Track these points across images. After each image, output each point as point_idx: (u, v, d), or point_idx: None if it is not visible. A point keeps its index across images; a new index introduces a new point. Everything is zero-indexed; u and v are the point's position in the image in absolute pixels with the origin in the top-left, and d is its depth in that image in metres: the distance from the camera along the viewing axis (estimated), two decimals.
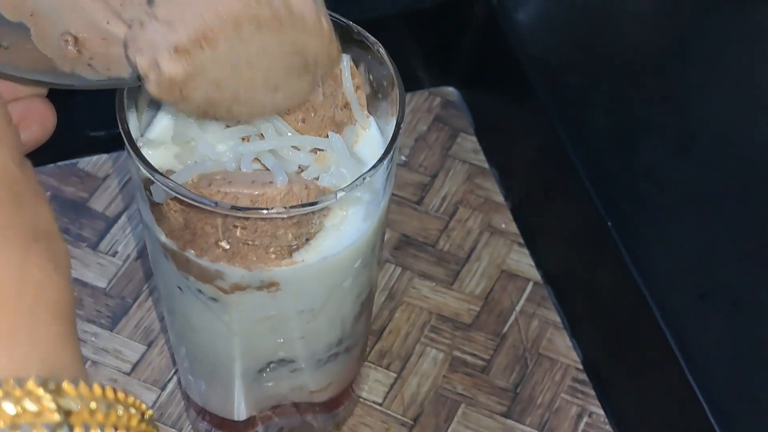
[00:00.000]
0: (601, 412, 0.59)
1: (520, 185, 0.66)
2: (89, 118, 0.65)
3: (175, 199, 0.41)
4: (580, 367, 0.60)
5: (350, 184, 0.41)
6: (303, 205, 0.40)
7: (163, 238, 0.42)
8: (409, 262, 0.63)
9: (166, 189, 0.40)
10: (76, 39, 0.38)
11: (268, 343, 0.47)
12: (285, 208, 0.40)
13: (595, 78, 0.63)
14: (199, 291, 0.44)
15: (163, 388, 0.58)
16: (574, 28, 0.66)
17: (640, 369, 0.59)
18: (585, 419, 0.59)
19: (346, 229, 0.42)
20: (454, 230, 0.65)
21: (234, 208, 0.39)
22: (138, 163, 0.41)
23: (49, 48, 0.38)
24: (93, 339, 0.59)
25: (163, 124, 0.45)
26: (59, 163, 0.65)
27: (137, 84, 0.39)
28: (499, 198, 0.66)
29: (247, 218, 0.40)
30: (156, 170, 0.40)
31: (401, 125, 0.42)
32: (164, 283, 0.46)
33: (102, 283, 0.61)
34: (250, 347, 0.47)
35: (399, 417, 0.58)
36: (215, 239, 0.41)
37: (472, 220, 0.65)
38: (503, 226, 0.65)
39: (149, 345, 0.60)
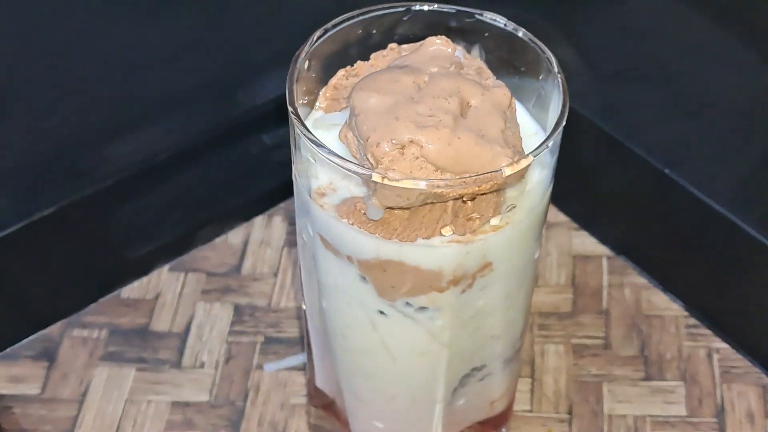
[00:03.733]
0: (726, 345, 0.60)
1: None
2: (122, 241, 0.61)
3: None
4: (686, 314, 0.62)
5: (549, 135, 0.41)
6: (533, 154, 0.40)
7: (370, 253, 0.40)
8: None
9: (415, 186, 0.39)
10: None
11: (470, 348, 0.46)
12: (515, 159, 0.39)
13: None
14: (407, 304, 0.42)
15: None
16: None
17: (744, 294, 0.60)
18: (715, 356, 0.60)
19: (537, 182, 0.42)
20: None
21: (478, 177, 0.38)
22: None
23: None
24: None
25: None
26: (100, 300, 0.61)
27: None
28: None
29: (479, 189, 0.39)
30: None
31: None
32: (357, 322, 0.44)
33: (204, 397, 0.57)
34: (454, 358, 0.45)
35: (554, 415, 0.57)
36: (441, 225, 0.39)
37: None
38: (553, 218, 0.66)
39: None
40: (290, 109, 0.41)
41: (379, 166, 0.39)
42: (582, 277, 0.63)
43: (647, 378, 0.59)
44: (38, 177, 0.59)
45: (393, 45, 0.44)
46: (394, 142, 0.39)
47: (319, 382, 0.52)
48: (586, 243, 0.65)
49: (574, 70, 0.62)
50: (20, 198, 0.58)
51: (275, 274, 0.63)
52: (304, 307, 0.49)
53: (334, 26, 0.44)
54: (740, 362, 0.60)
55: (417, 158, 0.39)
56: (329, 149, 0.40)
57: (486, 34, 0.45)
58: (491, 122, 0.40)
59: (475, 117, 0.40)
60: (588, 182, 0.66)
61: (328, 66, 0.45)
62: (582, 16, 0.68)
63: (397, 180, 0.38)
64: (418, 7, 0.45)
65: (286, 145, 0.65)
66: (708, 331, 0.61)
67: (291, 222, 0.66)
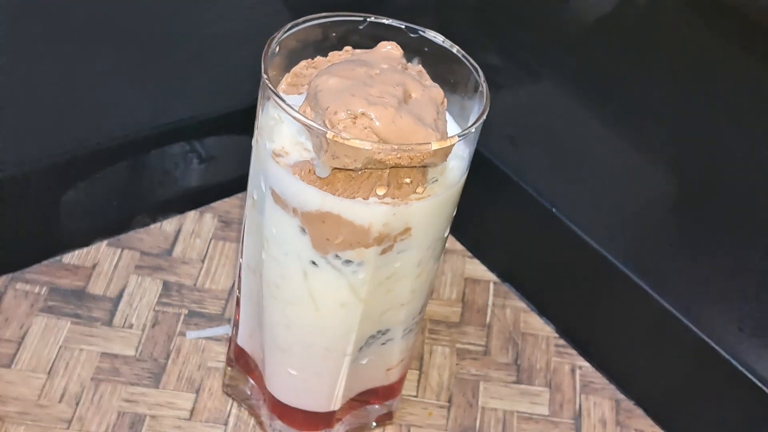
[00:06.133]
0: (588, 364, 0.70)
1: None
2: (68, 214, 0.68)
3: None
4: (556, 335, 0.71)
5: (474, 123, 0.50)
6: (458, 135, 0.49)
7: (315, 206, 0.49)
8: None
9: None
10: None
11: (380, 308, 0.54)
12: (443, 139, 0.48)
13: None
14: (336, 257, 0.51)
15: (225, 423, 0.61)
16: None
17: (605, 320, 0.70)
18: (578, 371, 0.69)
19: (455, 167, 0.52)
20: None
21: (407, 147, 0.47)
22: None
23: None
24: (144, 398, 0.61)
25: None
26: (44, 262, 0.68)
27: None
28: None
29: (412, 157, 0.48)
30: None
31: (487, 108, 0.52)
32: (291, 272, 0.52)
33: (130, 352, 0.64)
34: (366, 315, 0.54)
35: (435, 402, 0.65)
36: (373, 183, 0.48)
37: None
38: (450, 246, 0.75)
39: (197, 392, 0.63)
40: (264, 76, 0.50)
41: (334, 128, 0.48)
42: (471, 296, 0.73)
43: (518, 382, 0.68)
44: (5, 143, 0.66)
45: (348, 47, 0.54)
46: (348, 112, 0.48)
47: (241, 340, 0.60)
48: (477, 269, 0.74)
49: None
50: None
51: (202, 260, 0.70)
52: (240, 261, 0.57)
53: (304, 21, 0.53)
54: (599, 379, 0.69)
55: (365, 128, 0.48)
56: (292, 106, 0.49)
57: (426, 49, 0.55)
58: (427, 111, 0.50)
59: (416, 105, 0.50)
60: (481, 216, 0.76)
61: (291, 57, 0.54)
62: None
63: (348, 139, 0.47)
64: (373, 19, 0.54)
65: (221, 157, 0.73)
66: (574, 351, 0.71)
67: (220, 219, 0.73)
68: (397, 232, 0.51)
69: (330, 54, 0.54)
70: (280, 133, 0.52)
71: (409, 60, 0.55)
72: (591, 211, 0.70)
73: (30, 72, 0.71)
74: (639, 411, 0.68)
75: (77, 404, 0.61)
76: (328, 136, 0.48)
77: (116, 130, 0.69)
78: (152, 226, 0.72)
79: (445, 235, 0.55)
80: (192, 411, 0.62)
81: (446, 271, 0.74)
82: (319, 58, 0.54)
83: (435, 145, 0.48)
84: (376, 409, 0.62)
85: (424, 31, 0.55)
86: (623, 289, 0.68)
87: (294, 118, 0.49)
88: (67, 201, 0.68)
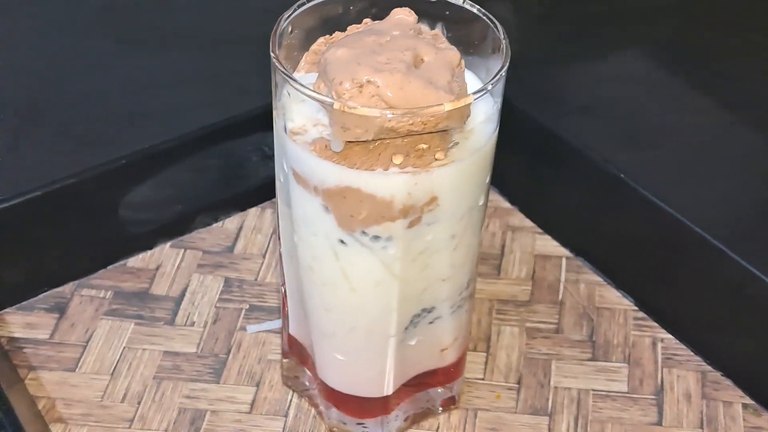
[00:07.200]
0: (670, 336, 0.66)
1: (519, 191, 0.74)
2: (129, 219, 0.69)
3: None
4: (636, 308, 0.68)
5: (492, 78, 0.48)
6: (473, 94, 0.47)
7: (333, 181, 0.48)
8: None
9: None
10: None
11: (420, 285, 0.52)
12: (453, 100, 0.46)
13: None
14: (363, 233, 0.49)
15: (286, 415, 0.61)
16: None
17: (686, 289, 0.66)
18: (660, 344, 0.65)
19: (482, 130, 0.50)
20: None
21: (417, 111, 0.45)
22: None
23: None
24: (205, 394, 0.61)
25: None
26: (109, 267, 0.69)
27: None
28: (506, 204, 0.74)
29: (425, 123, 0.46)
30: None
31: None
32: (321, 253, 0.51)
33: (192, 349, 0.64)
34: (405, 293, 0.52)
35: (503, 384, 0.63)
36: (390, 153, 0.47)
37: (492, 225, 0.73)
38: (519, 223, 0.73)
39: (257, 385, 0.62)
40: (272, 55, 0.49)
41: (340, 98, 0.46)
42: (540, 273, 0.70)
43: (593, 359, 0.65)
44: (64, 152, 0.67)
45: (367, 20, 0.52)
46: (354, 80, 0.47)
47: (293, 329, 0.59)
48: (548, 245, 0.72)
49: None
50: (45, 167, 0.66)
51: (263, 255, 0.70)
52: (279, 249, 0.56)
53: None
54: (683, 351, 0.65)
55: (373, 96, 0.47)
56: (299, 81, 0.48)
57: (447, 13, 0.53)
58: (440, 74, 0.48)
59: (427, 69, 0.48)
60: (550, 191, 0.73)
61: (311, 36, 0.53)
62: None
63: (354, 108, 0.46)
64: None
65: None
66: (655, 324, 0.67)
67: None
68: (422, 202, 0.49)
69: (349, 28, 0.53)
70: (300, 111, 0.50)
71: (432, 27, 0.53)
72: (664, 177, 0.66)
73: (87, 77, 0.73)
74: (727, 382, 0.63)
75: (139, 403, 0.61)
76: (335, 106, 0.47)
77: (173, 131, 0.70)
78: (214, 225, 0.72)
79: (480, 203, 0.52)
80: (252, 404, 0.61)
81: (514, 249, 0.71)
82: (337, 34, 0.52)
83: (448, 106, 0.46)
84: (438, 393, 0.60)
85: None
86: (702, 254, 0.64)
87: (300, 92, 0.48)
88: (128, 205, 0.69)
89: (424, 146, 0.48)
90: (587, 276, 0.70)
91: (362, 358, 0.55)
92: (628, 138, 0.69)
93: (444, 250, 0.52)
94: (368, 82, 0.47)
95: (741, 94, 0.71)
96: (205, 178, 0.72)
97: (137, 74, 0.72)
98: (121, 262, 0.69)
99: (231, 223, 0.72)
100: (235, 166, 0.73)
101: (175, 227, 0.71)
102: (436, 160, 0.48)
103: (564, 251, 0.71)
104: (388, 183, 0.48)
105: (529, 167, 0.74)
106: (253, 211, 0.73)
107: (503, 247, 0.72)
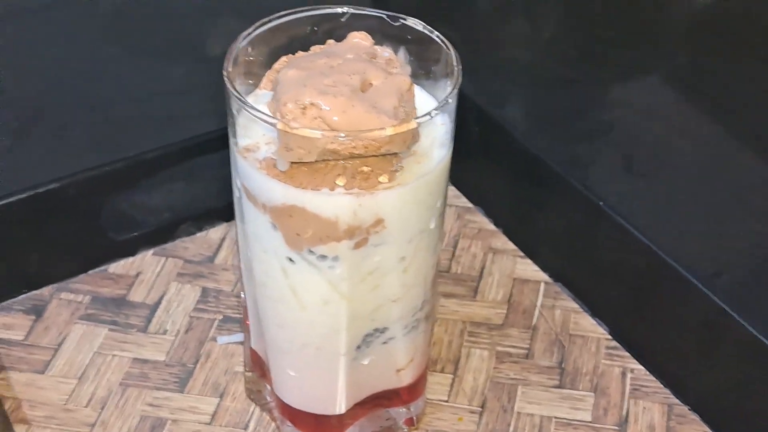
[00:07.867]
0: (641, 367, 0.65)
1: (503, 213, 0.74)
2: (113, 225, 0.70)
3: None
4: (609, 337, 0.67)
5: (439, 104, 0.48)
6: (417, 118, 0.47)
7: (279, 199, 0.48)
8: None
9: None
10: None
11: (370, 305, 0.53)
12: (396, 125, 0.46)
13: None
14: (310, 252, 0.50)
15: (245, 428, 0.61)
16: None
17: (660, 321, 0.65)
18: (629, 375, 0.65)
19: (430, 155, 0.50)
20: (461, 257, 0.72)
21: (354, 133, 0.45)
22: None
23: None
24: (168, 403, 0.62)
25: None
26: (90, 272, 0.70)
27: None
28: (491, 226, 0.74)
29: (367, 146, 0.47)
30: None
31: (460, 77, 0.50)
32: (272, 269, 0.51)
33: (161, 357, 0.65)
34: (355, 312, 0.52)
35: (467, 406, 0.63)
36: (335, 174, 0.47)
37: (474, 246, 0.73)
38: (501, 245, 0.73)
39: (221, 396, 0.63)
40: (224, 73, 0.49)
41: (284, 119, 0.47)
42: (517, 297, 0.70)
43: (560, 386, 0.64)
44: (45, 157, 0.69)
45: (331, 41, 0.53)
46: (298, 102, 0.47)
47: (254, 343, 0.59)
48: (528, 269, 0.71)
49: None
50: (27, 171, 0.68)
51: None
52: (242, 267, 0.57)
53: (279, 18, 0.53)
54: (651, 383, 0.65)
55: (315, 118, 0.47)
56: (245, 99, 0.49)
57: (408, 37, 0.53)
58: (387, 99, 0.48)
59: (374, 93, 0.48)
60: (533, 215, 0.72)
61: (276, 54, 0.53)
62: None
63: (296, 128, 0.46)
64: (354, 11, 0.53)
65: None
66: (626, 354, 0.66)
67: None
68: (368, 224, 0.49)
69: (312, 48, 0.53)
70: (254, 129, 0.51)
71: (396, 51, 0.54)
72: (643, 207, 0.65)
73: (76, 84, 0.74)
74: (693, 416, 0.63)
75: (102, 409, 0.62)
76: (278, 126, 0.47)
77: (161, 140, 0.71)
78: (198, 234, 0.73)
79: (432, 226, 0.52)
80: (213, 415, 0.62)
81: (494, 272, 0.71)
82: (299, 53, 0.53)
83: (389, 131, 0.47)
84: (400, 412, 0.60)
85: (405, 19, 0.53)
86: (676, 288, 0.63)
87: (247, 111, 0.48)
88: (112, 212, 0.70)
89: (367, 169, 0.48)
90: (564, 302, 0.69)
91: (314, 375, 0.56)
92: (611, 166, 0.69)
93: (393, 272, 0.52)
94: (311, 104, 0.47)
95: (725, 126, 0.71)
96: (190, 186, 0.73)
97: (126, 82, 0.74)
98: (102, 268, 0.70)
99: (215, 233, 0.73)
100: (221, 176, 0.73)
101: (159, 235, 0.72)
102: (380, 183, 0.48)
103: (544, 276, 0.71)
104: (333, 203, 0.48)
105: (514, 190, 0.74)
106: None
107: (482, 269, 0.71)
